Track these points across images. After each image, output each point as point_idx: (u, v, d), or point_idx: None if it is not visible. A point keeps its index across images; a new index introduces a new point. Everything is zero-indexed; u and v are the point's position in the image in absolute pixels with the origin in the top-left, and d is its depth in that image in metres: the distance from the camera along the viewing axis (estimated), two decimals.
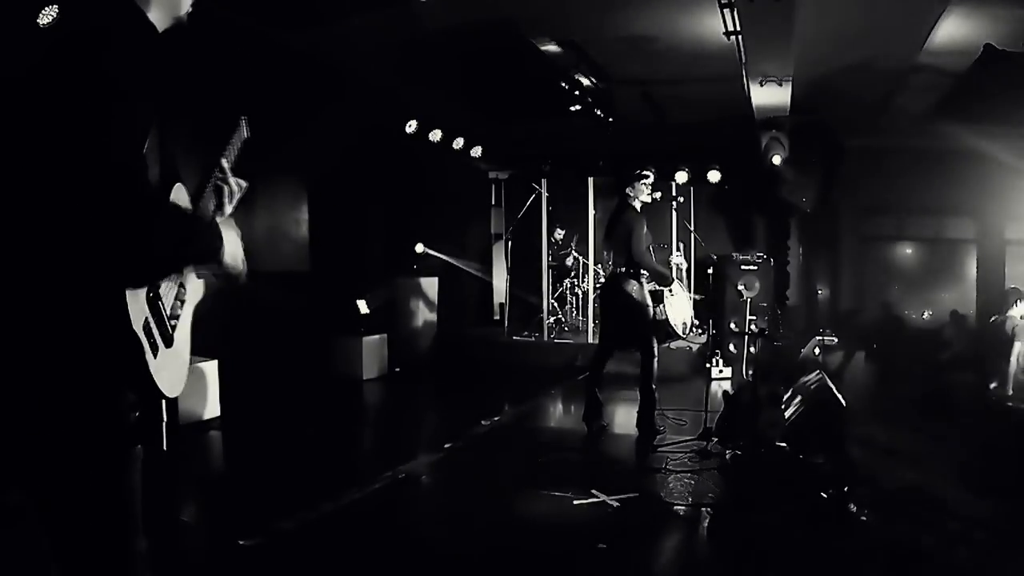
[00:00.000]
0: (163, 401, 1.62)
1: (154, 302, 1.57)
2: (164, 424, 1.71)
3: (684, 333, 6.40)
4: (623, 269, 5.67)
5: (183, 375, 1.67)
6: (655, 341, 5.66)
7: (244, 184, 1.83)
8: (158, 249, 1.47)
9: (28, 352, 1.42)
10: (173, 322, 1.65)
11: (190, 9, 1.65)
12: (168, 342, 1.61)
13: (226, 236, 1.62)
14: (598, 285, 9.10)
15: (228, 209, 1.80)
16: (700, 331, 9.16)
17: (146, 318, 1.52)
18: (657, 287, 5.79)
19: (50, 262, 1.39)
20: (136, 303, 1.47)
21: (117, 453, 1.52)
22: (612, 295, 5.77)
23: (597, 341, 6.36)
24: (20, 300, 1.41)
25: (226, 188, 1.79)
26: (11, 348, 1.42)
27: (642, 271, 5.65)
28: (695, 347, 8.95)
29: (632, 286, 5.63)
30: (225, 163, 1.79)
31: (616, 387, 6.81)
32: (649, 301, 5.70)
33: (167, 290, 1.64)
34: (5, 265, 1.41)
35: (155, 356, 1.53)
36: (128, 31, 1.49)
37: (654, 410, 5.61)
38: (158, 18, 1.57)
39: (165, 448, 1.80)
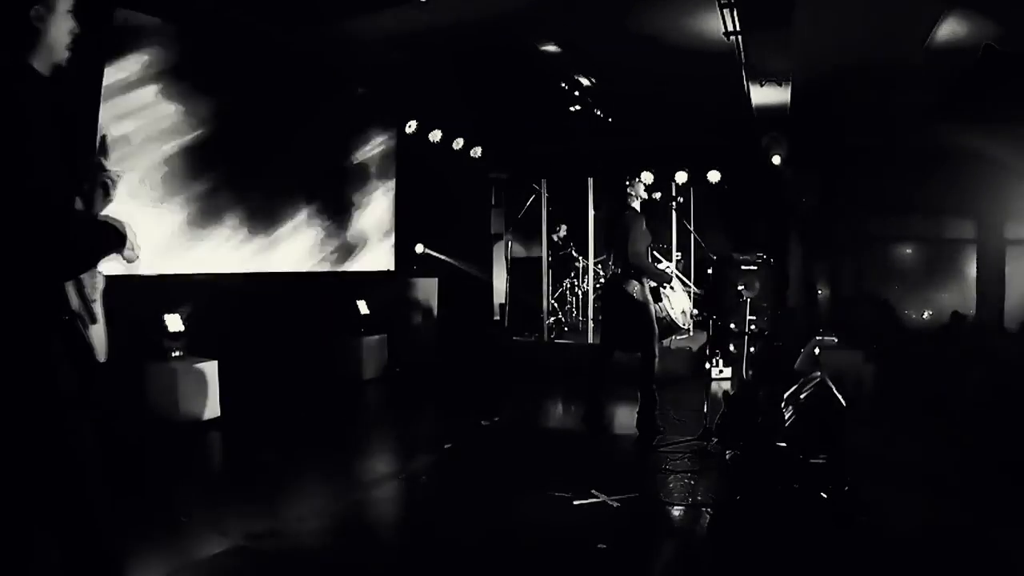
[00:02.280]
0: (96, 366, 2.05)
1: (80, 291, 2.01)
2: (95, 383, 2.06)
3: (685, 324, 6.46)
4: (623, 269, 5.68)
5: (104, 343, 2.14)
6: (656, 341, 5.67)
7: (121, 173, 2.24)
8: (79, 252, 1.93)
9: None
10: (93, 303, 2.08)
11: (68, 54, 2.01)
12: (93, 320, 2.06)
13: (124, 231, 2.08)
14: (598, 285, 9.11)
15: (113, 196, 2.20)
16: (700, 317, 9.25)
17: (79, 303, 1.98)
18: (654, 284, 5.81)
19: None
20: (71, 293, 1.94)
21: (65, 412, 1.88)
22: (613, 295, 5.78)
23: (598, 341, 6.37)
24: None
25: (110, 181, 2.18)
26: None
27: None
28: (695, 347, 8.95)
29: (633, 286, 5.64)
30: (104, 162, 2.18)
31: (616, 387, 6.81)
32: (651, 301, 5.70)
33: (88, 278, 2.06)
34: None
35: (87, 331, 2.00)
36: (23, 77, 1.87)
37: (655, 410, 5.62)
38: (40, 65, 1.94)
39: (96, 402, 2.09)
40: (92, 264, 2.03)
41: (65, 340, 1.91)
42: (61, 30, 1.96)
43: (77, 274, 1.98)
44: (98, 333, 2.09)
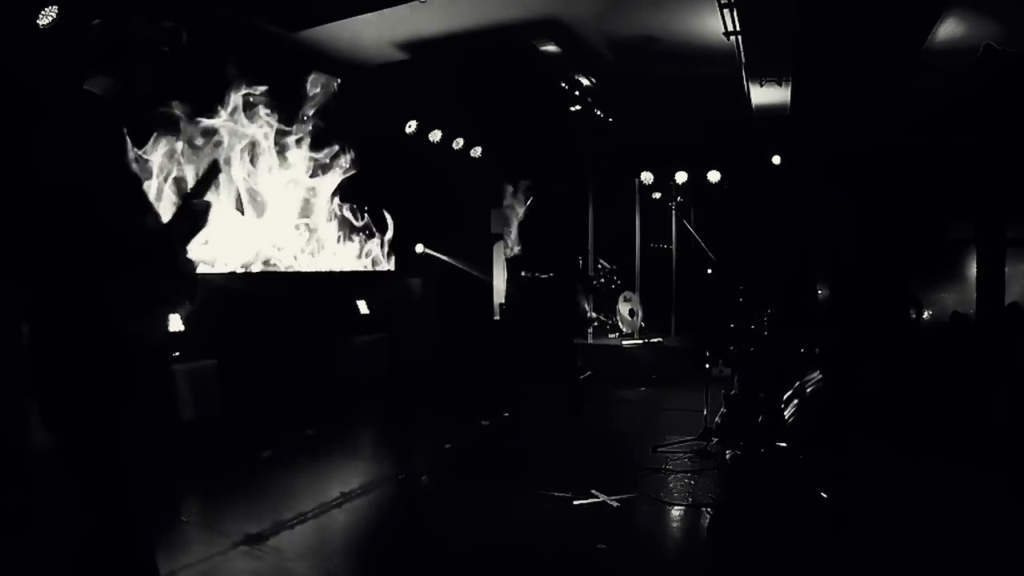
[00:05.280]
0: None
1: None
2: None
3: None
4: (554, 273, 6.14)
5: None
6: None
7: (219, 170, 2.73)
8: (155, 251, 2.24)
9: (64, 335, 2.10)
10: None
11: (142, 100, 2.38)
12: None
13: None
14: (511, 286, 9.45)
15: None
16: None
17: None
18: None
19: (75, 280, 2.09)
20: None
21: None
22: (554, 296, 6.16)
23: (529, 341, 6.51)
24: (63, 301, 2.10)
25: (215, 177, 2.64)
26: (53, 334, 2.12)
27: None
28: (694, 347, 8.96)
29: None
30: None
31: (617, 387, 6.82)
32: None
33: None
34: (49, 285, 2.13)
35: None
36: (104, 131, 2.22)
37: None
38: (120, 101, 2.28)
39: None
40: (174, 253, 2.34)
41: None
42: (146, 80, 2.35)
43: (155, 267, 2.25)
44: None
